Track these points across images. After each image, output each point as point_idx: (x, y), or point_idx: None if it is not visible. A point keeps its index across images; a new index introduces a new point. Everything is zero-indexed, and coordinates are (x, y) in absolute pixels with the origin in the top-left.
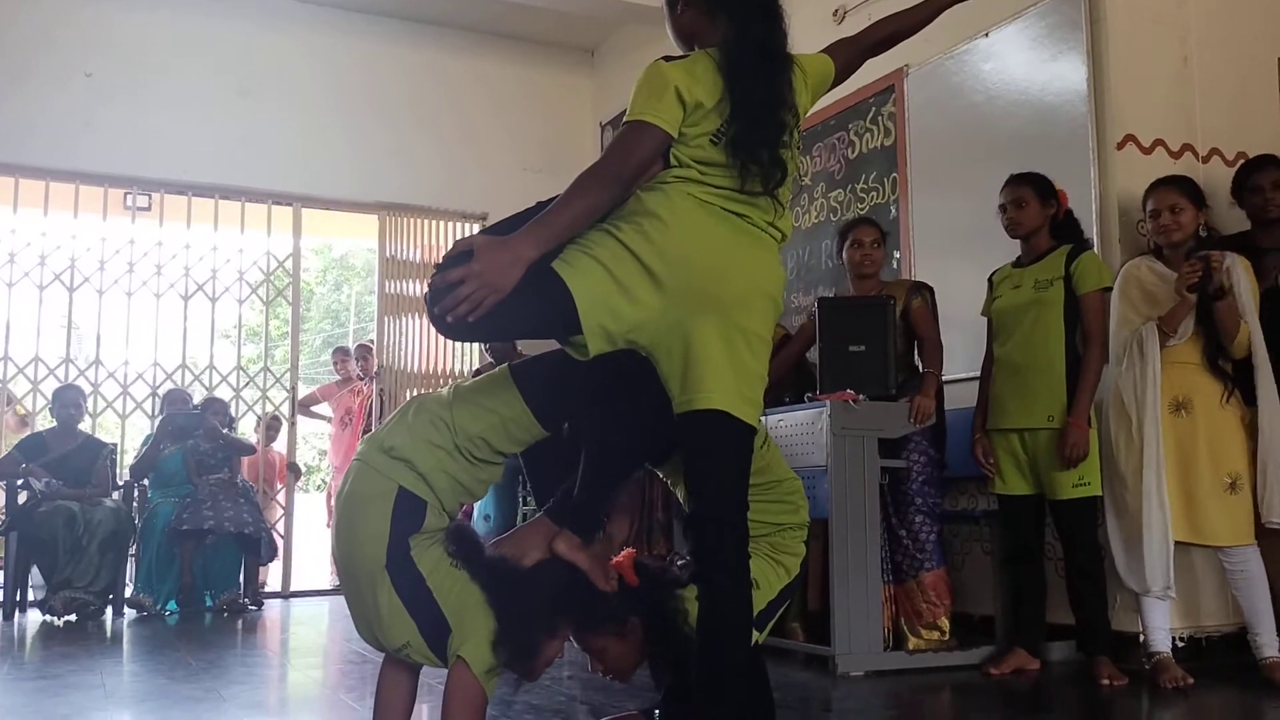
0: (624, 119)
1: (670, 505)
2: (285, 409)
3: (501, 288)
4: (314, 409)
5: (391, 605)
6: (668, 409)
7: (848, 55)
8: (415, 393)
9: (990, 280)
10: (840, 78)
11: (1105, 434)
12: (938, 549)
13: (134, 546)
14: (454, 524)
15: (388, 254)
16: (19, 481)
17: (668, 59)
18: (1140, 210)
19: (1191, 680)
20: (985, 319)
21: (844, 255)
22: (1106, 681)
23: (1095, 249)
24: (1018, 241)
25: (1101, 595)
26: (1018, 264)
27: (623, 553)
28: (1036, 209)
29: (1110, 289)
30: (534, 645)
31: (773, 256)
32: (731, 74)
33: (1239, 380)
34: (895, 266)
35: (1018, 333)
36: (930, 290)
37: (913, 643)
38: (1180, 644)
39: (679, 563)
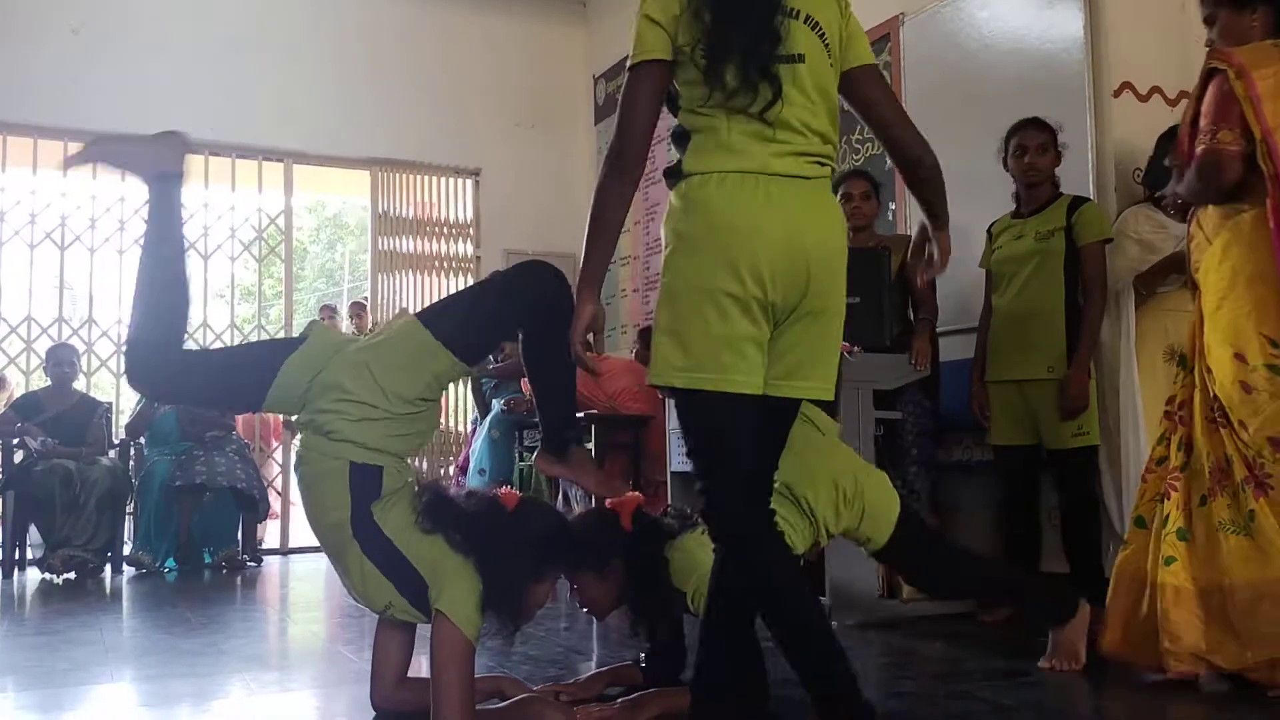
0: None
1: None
2: None
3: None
4: None
5: (365, 570)
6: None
7: (870, 85)
8: None
9: (989, 231)
10: (850, 87)
11: (1100, 384)
12: (933, 501)
13: (131, 504)
14: (424, 492)
15: (380, 210)
16: (14, 441)
17: None
18: (1138, 159)
19: None
20: (982, 271)
21: None
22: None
23: (1092, 197)
24: (1012, 192)
25: (1096, 543)
26: (1017, 214)
27: (629, 495)
28: (1054, 156)
29: (1111, 240)
30: (519, 593)
31: (776, 207)
32: None
33: None
34: (890, 218)
35: (1017, 283)
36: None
37: (907, 592)
38: None
39: (673, 516)
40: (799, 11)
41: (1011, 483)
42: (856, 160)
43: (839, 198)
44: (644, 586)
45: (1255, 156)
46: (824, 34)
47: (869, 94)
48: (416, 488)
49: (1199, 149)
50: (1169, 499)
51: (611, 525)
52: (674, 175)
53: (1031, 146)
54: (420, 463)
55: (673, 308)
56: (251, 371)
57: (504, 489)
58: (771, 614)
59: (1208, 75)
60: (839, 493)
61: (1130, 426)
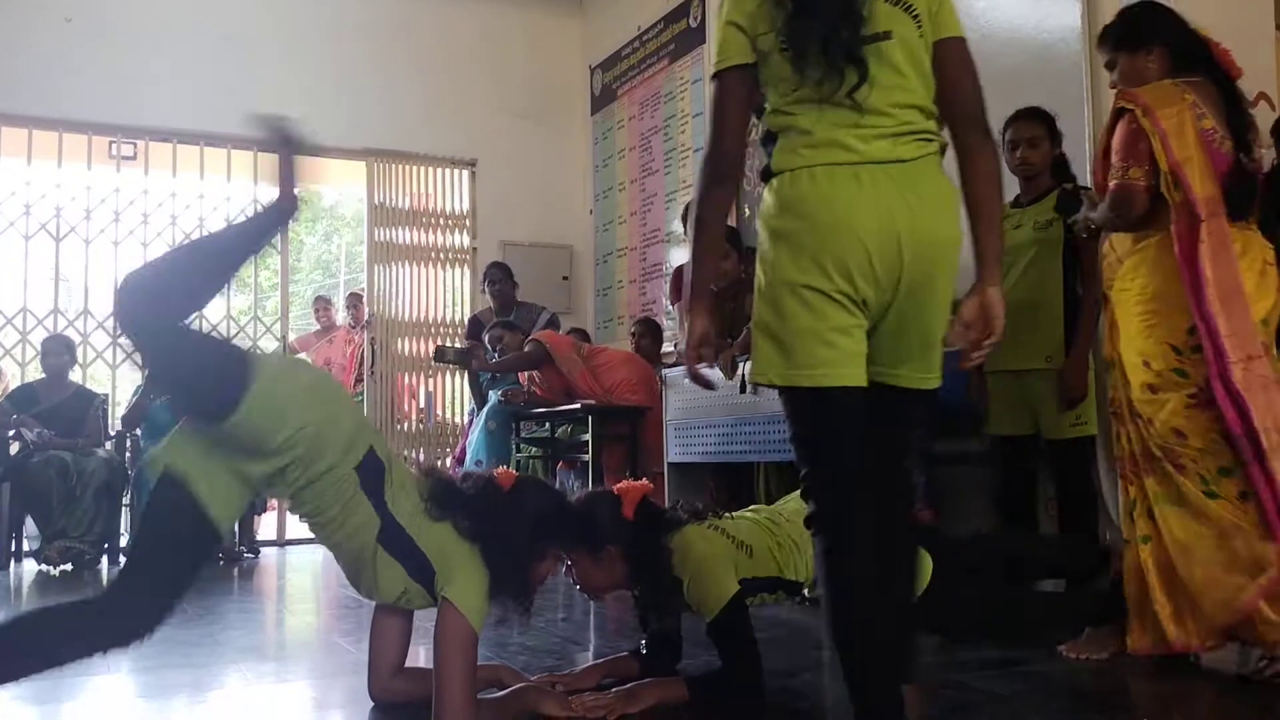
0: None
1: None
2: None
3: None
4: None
5: (380, 559)
6: None
7: (956, 65)
8: (407, 342)
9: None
10: (939, 68)
11: (1098, 374)
12: (928, 490)
13: (128, 496)
14: (429, 478)
15: (376, 201)
16: (10, 433)
17: None
18: None
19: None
20: None
21: None
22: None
23: (1090, 186)
24: (1014, 180)
25: (1093, 534)
26: (1016, 203)
27: (637, 484)
28: (1048, 148)
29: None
30: (523, 572)
31: (868, 195)
32: None
33: None
34: None
35: (1015, 272)
36: None
37: None
38: None
39: (684, 509)
40: None
41: (1009, 473)
42: None
43: None
44: (644, 575)
45: (1160, 188)
46: (910, 7)
47: (949, 74)
48: (418, 473)
49: (1112, 184)
50: (1132, 484)
51: (612, 511)
52: (766, 174)
53: (1023, 140)
54: (418, 453)
55: (766, 304)
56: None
57: (500, 470)
58: (840, 613)
59: (1117, 114)
60: None
61: None
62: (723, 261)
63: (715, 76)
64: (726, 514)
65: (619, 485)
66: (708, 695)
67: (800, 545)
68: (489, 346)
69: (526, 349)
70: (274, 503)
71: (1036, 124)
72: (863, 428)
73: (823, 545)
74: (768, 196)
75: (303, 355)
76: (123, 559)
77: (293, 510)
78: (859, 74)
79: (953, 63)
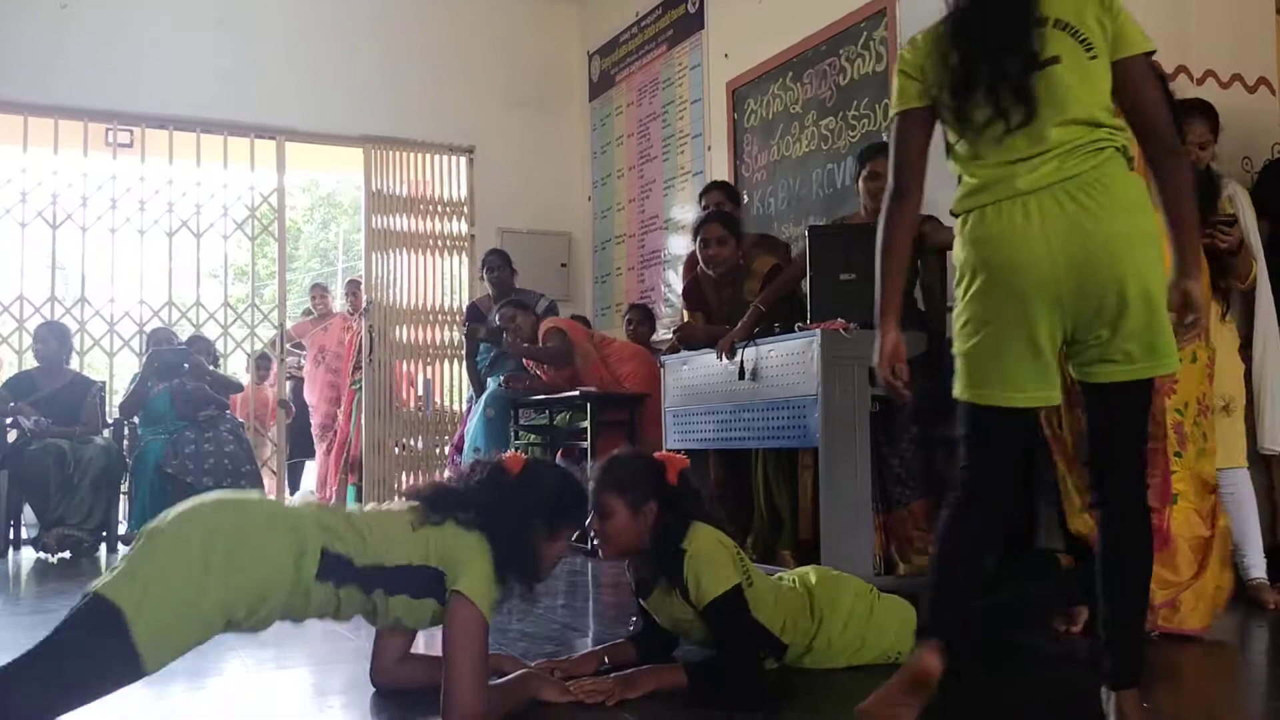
0: None
1: (728, 500)
2: (274, 346)
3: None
4: (289, 346)
5: (393, 605)
6: None
7: (1138, 82)
8: (405, 329)
9: None
10: (1122, 85)
11: None
12: (927, 478)
13: (126, 484)
14: (421, 490)
15: (374, 188)
16: (8, 420)
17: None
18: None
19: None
20: None
21: (859, 183)
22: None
23: None
24: None
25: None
26: None
27: (677, 455)
28: None
29: None
30: (533, 554)
31: (1031, 222)
32: (950, 21)
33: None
34: None
35: None
36: (936, 221)
37: (903, 568)
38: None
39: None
40: (1047, 19)
41: None
42: (853, 136)
43: (864, 175)
44: (665, 541)
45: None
46: (1077, 32)
47: (1132, 90)
48: (401, 497)
49: None
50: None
51: (658, 473)
52: (955, 213)
53: None
54: (416, 441)
55: (960, 330)
56: None
57: (509, 454)
58: (939, 575)
59: None
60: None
61: None
62: (720, 248)
63: (894, 117)
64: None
65: (659, 454)
66: (706, 682)
67: (798, 615)
68: (500, 325)
69: (551, 342)
70: (270, 489)
71: None
72: (1018, 441)
73: (944, 526)
74: (956, 233)
75: (299, 341)
76: (121, 548)
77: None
78: (1025, 110)
79: (1134, 80)
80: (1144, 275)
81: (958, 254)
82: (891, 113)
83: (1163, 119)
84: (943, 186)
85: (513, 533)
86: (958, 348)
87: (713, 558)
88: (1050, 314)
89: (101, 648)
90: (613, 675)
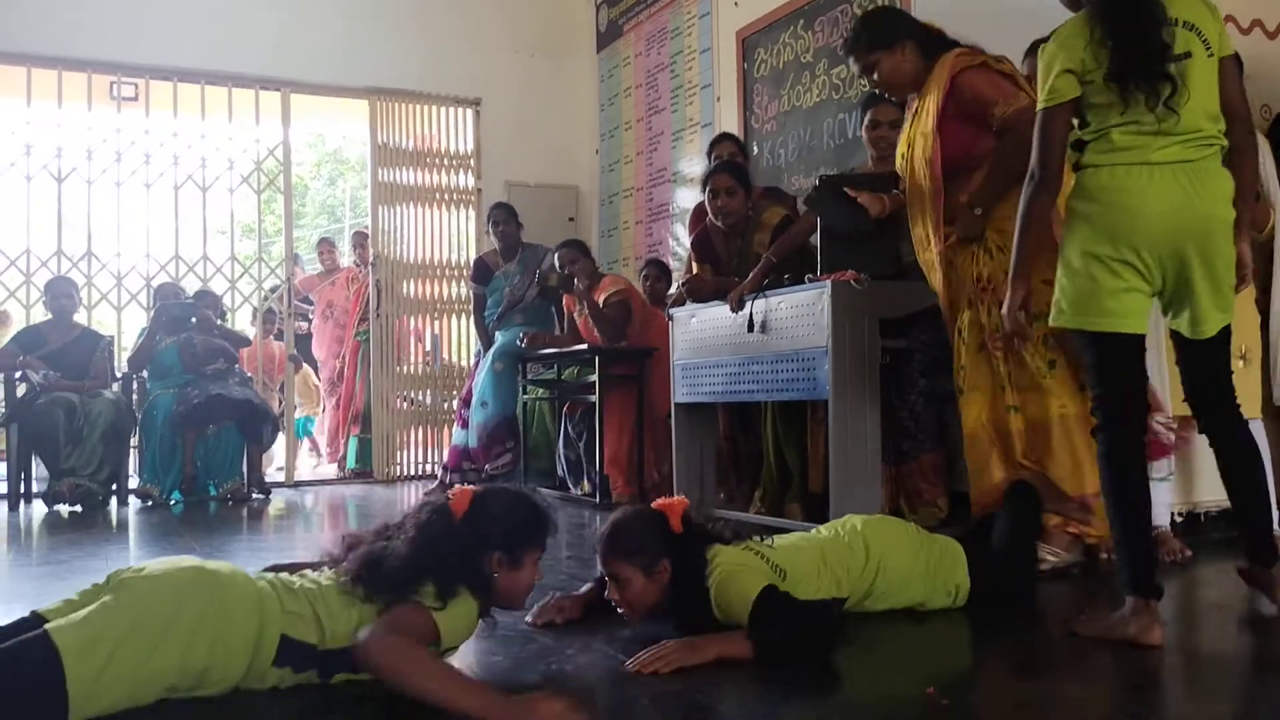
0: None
1: (737, 452)
2: (282, 301)
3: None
4: (296, 301)
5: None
6: None
7: (1232, 78)
8: (412, 284)
9: None
10: (1221, 80)
11: None
12: (937, 430)
13: (136, 438)
14: (358, 575)
15: (380, 141)
16: (17, 374)
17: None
18: None
19: (1190, 553)
20: None
21: (862, 132)
22: (1105, 555)
23: None
24: None
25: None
26: None
27: (676, 499)
28: None
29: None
30: (490, 589)
31: (1173, 181)
32: (1096, 17)
33: None
34: None
35: None
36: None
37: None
38: (1179, 519)
39: (730, 525)
40: (1178, 20)
41: None
42: (864, 84)
43: (866, 124)
44: (687, 588)
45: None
46: (1201, 32)
47: (1227, 84)
48: (337, 568)
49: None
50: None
51: (661, 526)
52: (1076, 167)
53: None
54: (424, 395)
55: (1067, 268)
56: None
57: (455, 490)
58: (1115, 495)
59: (958, 75)
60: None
61: (1153, 352)
62: (729, 199)
63: (1046, 109)
64: (768, 540)
65: (658, 502)
66: (774, 651)
67: (850, 564)
68: (558, 265)
69: (615, 313)
70: (282, 442)
71: None
72: (1136, 361)
73: (1102, 448)
74: (1075, 186)
75: (307, 296)
76: (131, 500)
77: None
78: (1170, 94)
79: (1230, 76)
80: (1224, 253)
81: (1076, 204)
82: (1042, 106)
83: (1245, 107)
84: None
85: (474, 573)
86: (1068, 283)
87: (736, 576)
88: (1151, 263)
89: (33, 685)
90: (675, 641)
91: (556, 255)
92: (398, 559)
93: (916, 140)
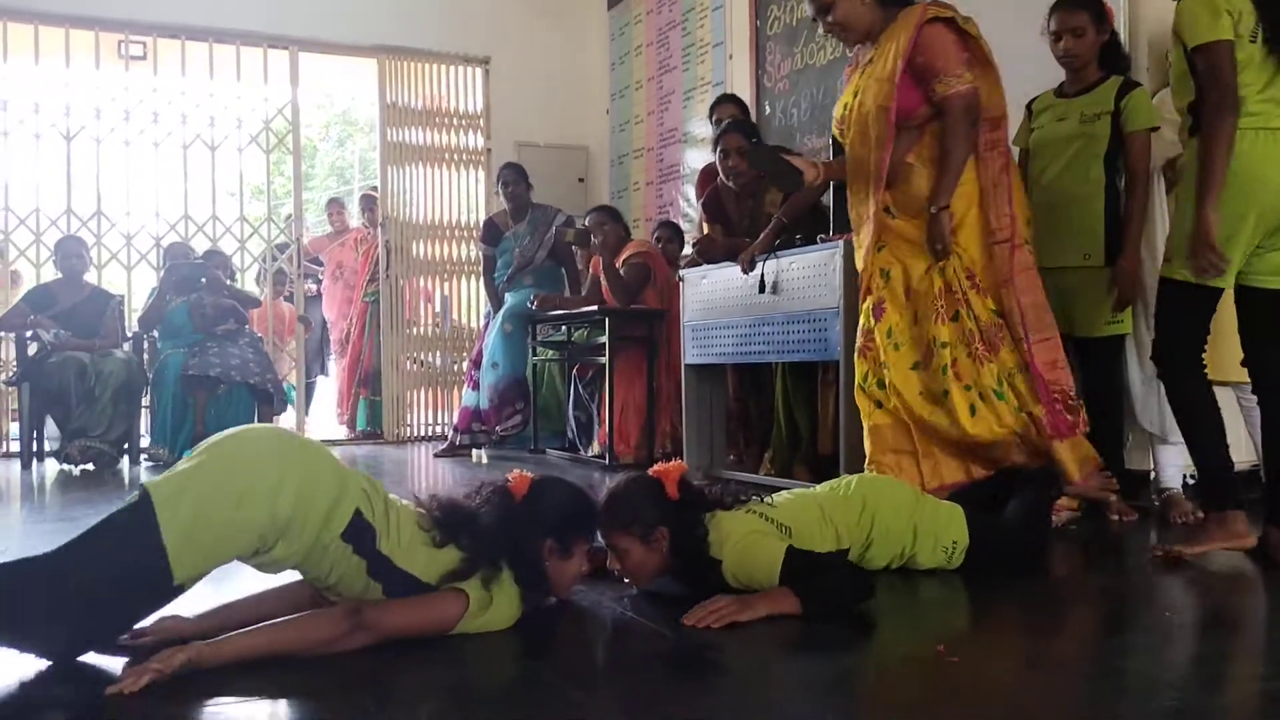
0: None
1: (747, 414)
2: (292, 262)
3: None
4: (305, 262)
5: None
6: None
7: None
8: (421, 244)
9: (1029, 108)
10: None
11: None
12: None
13: (147, 398)
14: (433, 509)
15: (388, 100)
16: (28, 333)
17: None
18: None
19: (1201, 514)
20: (1017, 149)
21: None
22: (1116, 517)
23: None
24: (1036, 71)
25: (1118, 434)
26: (1061, 93)
27: (672, 465)
28: (1093, 37)
29: (1157, 129)
30: (543, 575)
31: None
32: None
33: None
34: None
35: (1057, 166)
36: None
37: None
38: (1190, 481)
39: (729, 489)
40: None
41: None
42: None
43: None
44: (688, 554)
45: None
46: None
47: None
48: (421, 505)
49: (959, 89)
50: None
51: (657, 493)
52: (1193, 130)
53: (1066, 31)
54: (434, 357)
55: (1186, 218)
56: None
57: (514, 473)
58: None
59: (925, 25)
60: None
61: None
62: (741, 159)
63: (1213, 45)
64: (766, 499)
65: (655, 468)
66: (821, 603)
67: (850, 517)
68: (589, 228)
69: (631, 274)
70: (292, 411)
71: (1080, 12)
72: (1210, 313)
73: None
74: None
75: (317, 257)
76: (143, 460)
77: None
78: None
79: None
80: None
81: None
82: (1203, 41)
83: None
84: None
85: (523, 556)
86: (1184, 235)
87: (749, 544)
88: (1259, 224)
89: (131, 540)
90: (727, 597)
91: (589, 217)
92: (485, 527)
93: (869, 87)
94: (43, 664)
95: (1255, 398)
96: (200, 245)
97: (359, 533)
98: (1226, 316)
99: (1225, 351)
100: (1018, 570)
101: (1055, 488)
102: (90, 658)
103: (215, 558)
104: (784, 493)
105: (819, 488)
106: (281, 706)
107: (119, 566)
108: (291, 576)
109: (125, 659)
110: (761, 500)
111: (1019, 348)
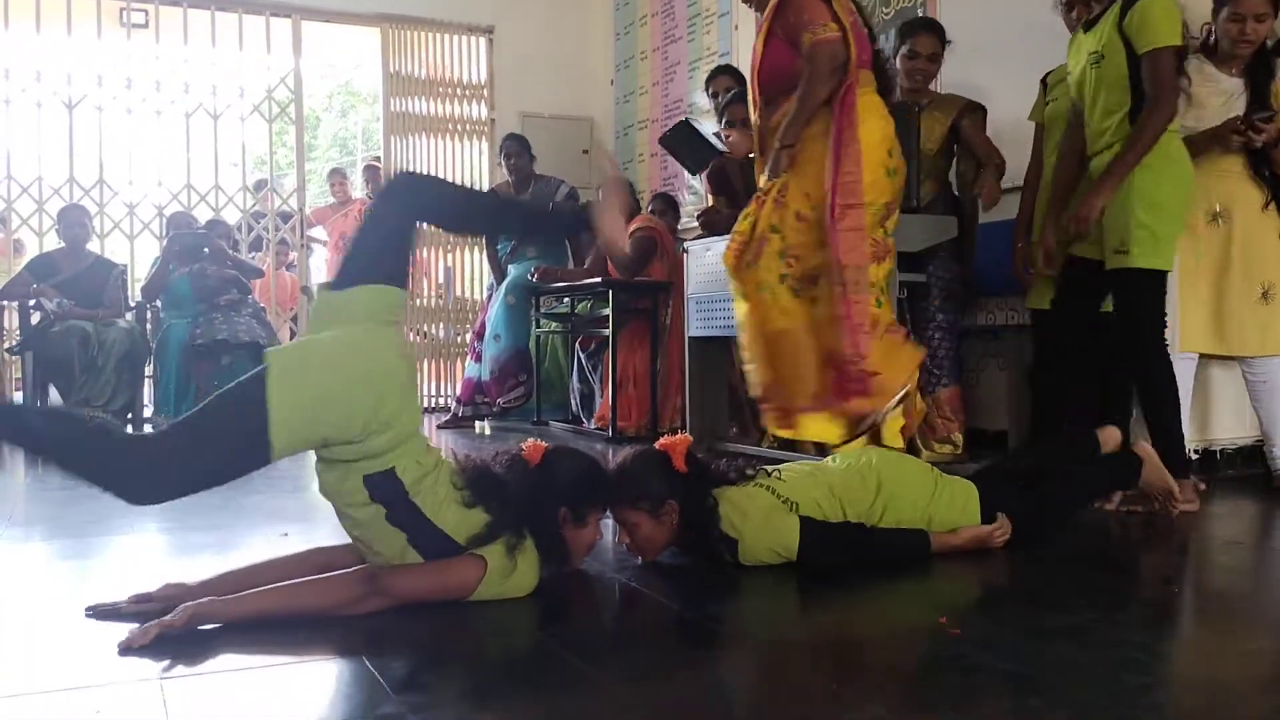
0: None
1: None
2: (294, 232)
3: None
4: (309, 233)
5: (400, 544)
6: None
7: None
8: None
9: (1044, 82)
10: None
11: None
12: (955, 365)
13: (150, 367)
14: (466, 469)
15: (391, 69)
16: (31, 302)
17: None
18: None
19: (1204, 486)
20: (1031, 126)
21: (897, 59)
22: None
23: None
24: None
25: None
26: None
27: (679, 437)
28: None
29: (1180, 47)
30: (560, 542)
31: None
32: None
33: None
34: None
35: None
36: (984, 110)
37: (926, 456)
38: (1195, 456)
39: (735, 463)
40: None
41: (1045, 347)
42: (887, 12)
43: (904, 52)
44: (698, 527)
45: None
46: None
47: None
48: (454, 463)
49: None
50: None
51: (665, 466)
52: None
53: (1251, 15)
54: (437, 329)
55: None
56: None
57: (528, 442)
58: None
59: None
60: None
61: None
62: (731, 132)
63: (1179, 48)
64: (775, 471)
65: (661, 441)
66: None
67: (857, 491)
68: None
69: (635, 249)
70: None
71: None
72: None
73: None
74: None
75: (320, 228)
76: (146, 428)
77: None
78: None
79: None
80: None
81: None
82: (1174, 43)
83: None
84: (976, 61)
85: (540, 522)
86: (1138, 224)
87: (763, 521)
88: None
89: (242, 398)
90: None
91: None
92: (512, 493)
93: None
94: (60, 633)
95: (1261, 373)
96: (203, 215)
97: (382, 484)
98: (1187, 293)
99: (1236, 322)
100: (1025, 541)
101: (1130, 481)
102: (101, 627)
103: (312, 433)
104: (794, 465)
105: (836, 459)
106: (284, 670)
107: (224, 432)
108: (302, 546)
109: (135, 625)
110: (769, 474)
111: (835, 294)
